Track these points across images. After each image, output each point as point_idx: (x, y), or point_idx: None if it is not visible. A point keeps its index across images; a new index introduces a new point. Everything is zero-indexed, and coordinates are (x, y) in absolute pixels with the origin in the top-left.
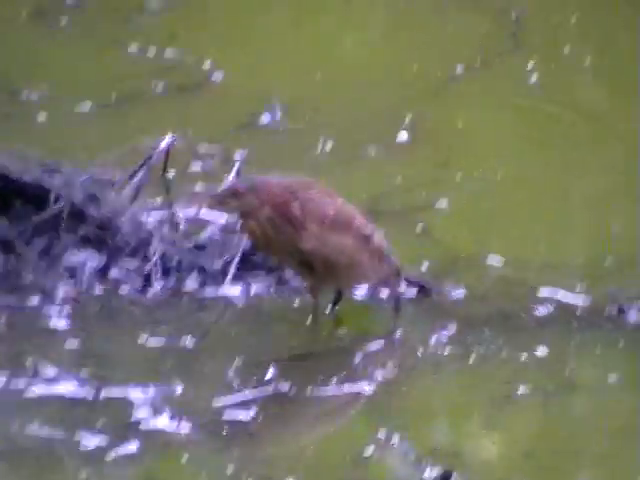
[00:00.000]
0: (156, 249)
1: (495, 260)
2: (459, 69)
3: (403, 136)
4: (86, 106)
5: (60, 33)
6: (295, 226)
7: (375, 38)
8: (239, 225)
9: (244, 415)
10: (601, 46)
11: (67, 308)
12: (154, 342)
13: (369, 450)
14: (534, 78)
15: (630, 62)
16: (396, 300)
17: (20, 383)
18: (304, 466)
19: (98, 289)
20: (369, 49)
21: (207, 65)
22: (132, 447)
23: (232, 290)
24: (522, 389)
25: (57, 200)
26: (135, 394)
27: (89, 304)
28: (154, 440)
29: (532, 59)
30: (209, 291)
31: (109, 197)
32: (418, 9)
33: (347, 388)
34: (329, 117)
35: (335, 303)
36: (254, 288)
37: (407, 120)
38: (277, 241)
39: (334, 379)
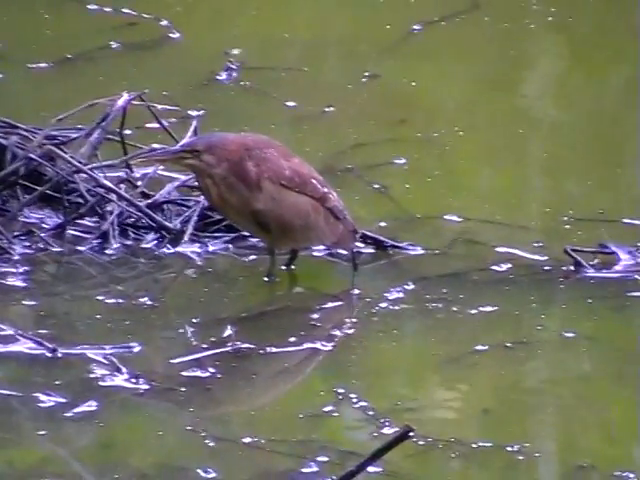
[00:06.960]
0: (113, 208)
1: (453, 218)
2: (417, 26)
3: (361, 93)
4: (43, 63)
5: None
6: (250, 186)
7: None
8: (196, 183)
9: (202, 373)
10: (562, 6)
11: (24, 267)
12: (112, 301)
13: (327, 407)
14: (492, 36)
15: (592, 16)
16: (353, 258)
17: None
18: (261, 423)
19: (55, 248)
20: (327, 7)
21: (165, 23)
22: (90, 405)
23: (190, 249)
24: (480, 346)
25: (13, 159)
26: (93, 353)
27: (46, 263)
28: (112, 398)
29: (490, 17)
30: (167, 250)
31: (66, 155)
32: None
33: (305, 345)
34: (286, 76)
35: (291, 261)
36: (212, 246)
37: (365, 77)
38: (232, 200)
39: (291, 337)
